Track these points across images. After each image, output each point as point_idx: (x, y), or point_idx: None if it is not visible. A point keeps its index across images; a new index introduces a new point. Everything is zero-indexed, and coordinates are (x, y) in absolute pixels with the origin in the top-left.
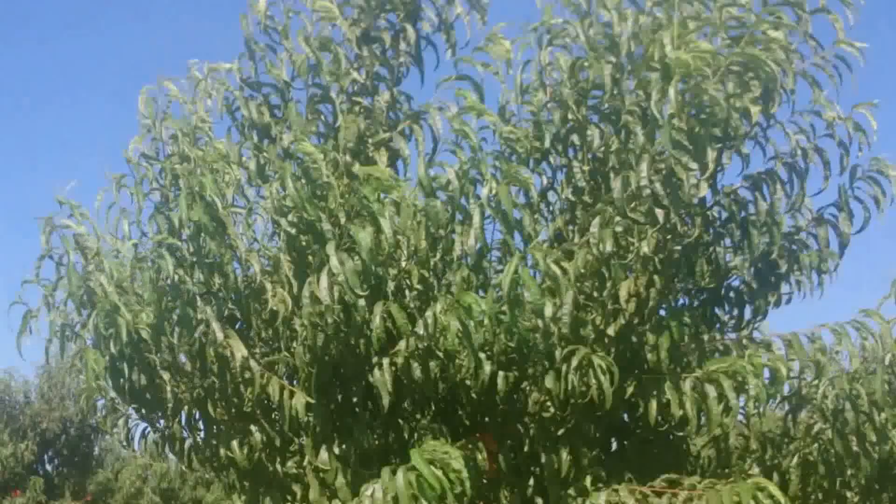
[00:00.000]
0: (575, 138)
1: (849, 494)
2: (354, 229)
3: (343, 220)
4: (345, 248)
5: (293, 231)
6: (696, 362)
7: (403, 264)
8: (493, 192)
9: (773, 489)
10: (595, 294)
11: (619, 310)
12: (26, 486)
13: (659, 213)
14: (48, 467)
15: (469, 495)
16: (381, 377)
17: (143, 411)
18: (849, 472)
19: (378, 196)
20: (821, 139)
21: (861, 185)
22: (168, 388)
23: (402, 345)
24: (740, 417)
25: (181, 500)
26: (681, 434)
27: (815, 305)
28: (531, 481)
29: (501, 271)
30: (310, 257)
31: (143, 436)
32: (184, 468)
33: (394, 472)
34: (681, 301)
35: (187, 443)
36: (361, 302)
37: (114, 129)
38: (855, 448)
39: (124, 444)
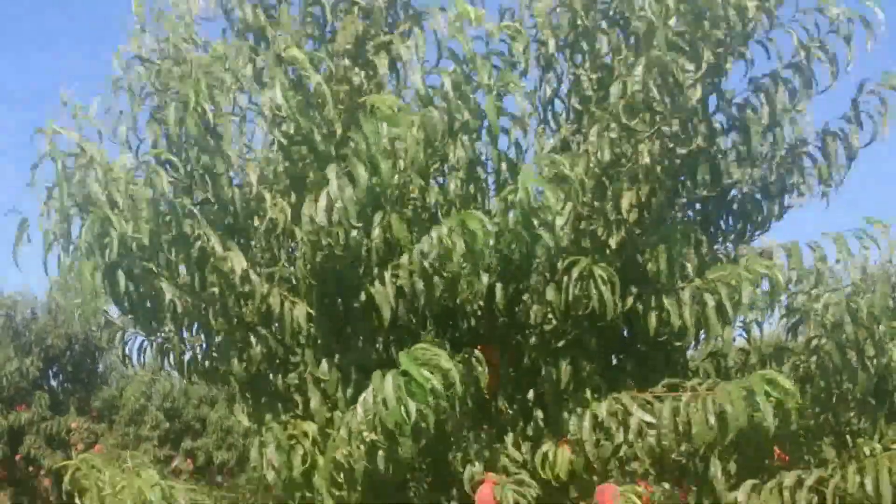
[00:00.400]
0: (583, 45)
1: (843, 408)
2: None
3: (340, 130)
4: (345, 172)
5: (286, 142)
6: (695, 273)
7: (403, 168)
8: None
9: (783, 380)
10: (596, 204)
11: (621, 220)
12: (31, 401)
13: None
14: (53, 383)
15: (460, 395)
16: (383, 291)
17: (142, 322)
18: (846, 386)
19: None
20: (826, 36)
21: (870, 100)
22: (167, 298)
23: (403, 259)
24: (740, 330)
25: (184, 418)
26: (679, 344)
27: (819, 224)
28: (531, 393)
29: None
30: (307, 173)
31: (141, 350)
32: (186, 382)
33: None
34: (683, 212)
35: (187, 356)
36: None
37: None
38: (853, 362)
39: (122, 359)
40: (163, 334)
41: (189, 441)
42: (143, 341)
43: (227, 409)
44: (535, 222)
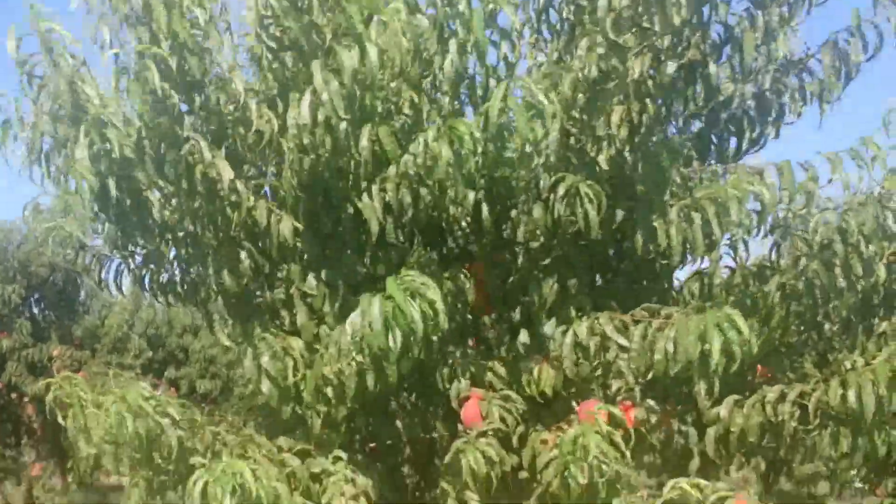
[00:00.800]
0: None
1: (827, 326)
2: (338, 50)
3: (329, 39)
4: (330, 69)
5: (274, 45)
6: (684, 191)
7: (392, 86)
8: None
9: (740, 321)
10: (585, 118)
11: (611, 136)
12: (13, 328)
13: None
14: (35, 311)
15: (443, 327)
16: (370, 203)
17: (129, 234)
18: (831, 304)
19: (363, 17)
20: None
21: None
22: (155, 209)
23: (391, 171)
24: (727, 249)
25: (168, 347)
26: (665, 263)
27: (816, 145)
28: (517, 311)
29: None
30: (294, 77)
31: (118, 274)
32: (167, 309)
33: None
34: (675, 130)
35: (164, 276)
36: (343, 125)
37: None
38: (840, 281)
39: (98, 283)
40: (141, 254)
41: (172, 370)
42: (119, 264)
43: (209, 332)
44: (519, 141)
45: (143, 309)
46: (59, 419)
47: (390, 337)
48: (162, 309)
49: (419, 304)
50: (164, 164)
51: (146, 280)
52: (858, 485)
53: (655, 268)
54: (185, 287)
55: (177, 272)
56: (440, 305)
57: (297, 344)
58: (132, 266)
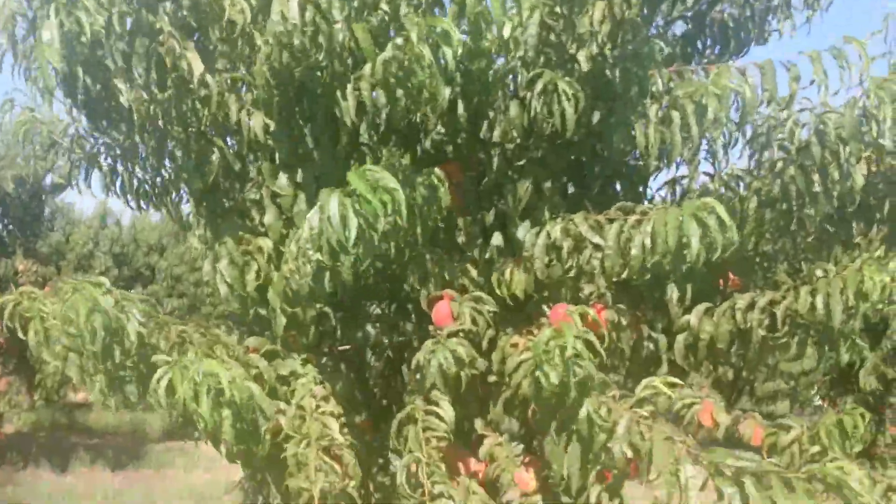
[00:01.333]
0: None
1: (801, 237)
2: None
3: None
4: None
5: None
6: (664, 90)
7: None
8: None
9: (720, 209)
10: (565, 11)
11: (593, 33)
12: None
13: None
14: None
15: (403, 216)
16: (344, 104)
17: (97, 123)
18: (806, 210)
19: None
20: None
21: None
22: (123, 98)
23: (366, 70)
24: (706, 155)
25: (134, 265)
26: (641, 164)
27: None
28: (491, 214)
29: None
30: None
31: (88, 174)
32: (137, 209)
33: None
34: (659, 31)
35: (135, 180)
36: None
37: None
38: (816, 186)
39: (67, 180)
40: (111, 154)
41: (139, 288)
42: (88, 167)
43: (181, 238)
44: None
45: (108, 227)
46: (20, 334)
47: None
48: (128, 227)
49: (378, 197)
50: (132, 53)
51: (117, 182)
52: (818, 402)
53: (631, 174)
54: (156, 190)
55: (148, 173)
56: (401, 196)
57: (265, 244)
58: (102, 167)
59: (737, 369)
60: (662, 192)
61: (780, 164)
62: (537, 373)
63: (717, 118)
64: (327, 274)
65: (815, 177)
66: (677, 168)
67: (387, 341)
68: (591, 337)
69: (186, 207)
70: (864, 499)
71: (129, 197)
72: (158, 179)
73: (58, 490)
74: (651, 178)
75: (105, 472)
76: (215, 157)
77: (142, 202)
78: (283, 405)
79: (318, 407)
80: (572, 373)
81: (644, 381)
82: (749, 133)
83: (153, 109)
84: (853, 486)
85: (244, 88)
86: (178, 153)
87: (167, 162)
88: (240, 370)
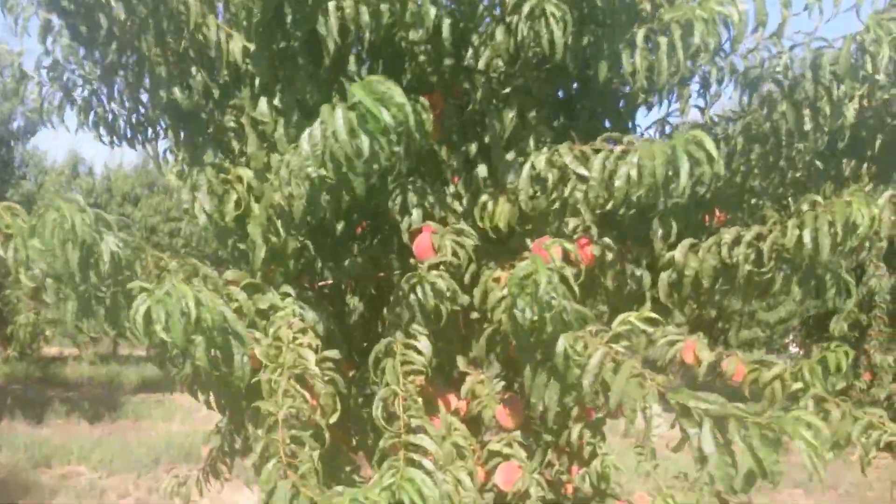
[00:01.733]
0: None
1: (791, 173)
2: None
3: None
4: None
5: None
6: (652, 14)
7: None
8: None
9: (708, 142)
10: None
11: None
12: None
13: None
14: None
15: (412, 131)
16: (326, 24)
17: (78, 38)
18: (796, 146)
19: None
20: None
21: None
22: (102, 16)
23: None
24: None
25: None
26: (629, 93)
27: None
28: (475, 145)
29: None
30: None
31: (60, 107)
32: (110, 146)
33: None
34: None
35: (109, 115)
36: None
37: None
38: (808, 122)
39: (40, 113)
40: (86, 87)
41: None
42: (61, 98)
43: (155, 188)
44: None
45: (80, 177)
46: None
47: (356, 144)
48: (101, 176)
49: (392, 110)
50: None
51: (91, 116)
52: (794, 349)
53: (618, 105)
54: (132, 125)
55: (125, 107)
56: (409, 109)
57: (245, 174)
58: (77, 101)
59: (719, 309)
60: (651, 132)
61: (771, 98)
62: (514, 308)
63: (705, 42)
64: (323, 195)
65: (807, 111)
66: (669, 104)
67: (367, 275)
68: (567, 272)
69: (163, 144)
70: (813, 448)
71: (103, 132)
72: (135, 116)
73: (34, 441)
74: (638, 111)
75: (82, 423)
76: (196, 75)
77: (116, 139)
78: (258, 335)
79: (294, 338)
80: (547, 307)
81: (620, 317)
82: (741, 68)
83: (131, 27)
84: (806, 436)
85: (222, 8)
86: (160, 73)
87: (145, 93)
88: (212, 294)
